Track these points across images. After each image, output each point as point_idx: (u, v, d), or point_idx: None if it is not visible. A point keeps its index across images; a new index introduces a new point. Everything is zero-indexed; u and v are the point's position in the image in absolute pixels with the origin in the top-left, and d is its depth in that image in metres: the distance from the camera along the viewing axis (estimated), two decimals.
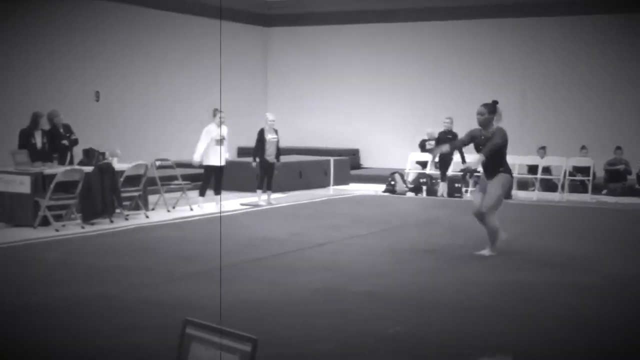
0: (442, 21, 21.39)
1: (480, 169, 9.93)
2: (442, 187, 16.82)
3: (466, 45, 21.14)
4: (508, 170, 9.46)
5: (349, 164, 20.24)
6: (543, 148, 17.91)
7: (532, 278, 8.18)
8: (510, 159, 10.27)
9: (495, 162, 9.29)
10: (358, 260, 9.09)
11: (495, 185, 9.33)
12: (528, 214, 13.78)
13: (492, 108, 9.40)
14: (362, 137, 22.38)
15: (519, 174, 17.06)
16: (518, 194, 16.80)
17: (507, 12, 20.68)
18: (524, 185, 17.68)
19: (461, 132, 15.81)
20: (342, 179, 19.27)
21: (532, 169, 17.68)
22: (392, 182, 17.56)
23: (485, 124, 9.37)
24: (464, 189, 16.86)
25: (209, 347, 2.16)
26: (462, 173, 16.29)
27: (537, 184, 17.23)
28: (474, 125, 9.54)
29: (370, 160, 22.30)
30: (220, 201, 14.19)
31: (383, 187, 17.76)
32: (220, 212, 13.24)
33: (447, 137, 16.03)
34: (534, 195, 16.88)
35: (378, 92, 22.22)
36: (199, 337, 2.18)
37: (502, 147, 9.31)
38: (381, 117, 22.16)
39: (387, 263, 8.97)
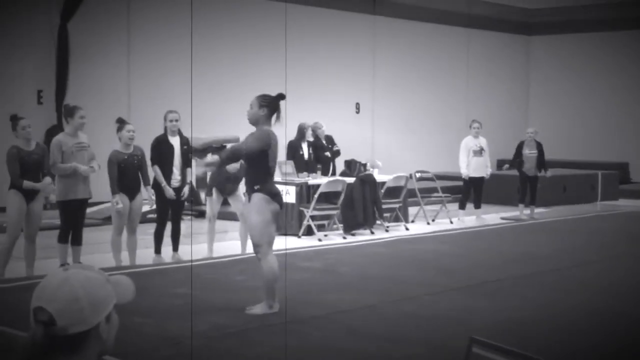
0: None
1: None
2: None
3: None
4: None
5: (617, 177, 19.07)
6: None
7: None
8: None
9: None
10: (632, 281, 8.42)
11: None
12: None
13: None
14: (632, 149, 21.02)
15: None
16: None
17: None
18: None
19: None
20: (610, 194, 18.17)
21: None
22: None
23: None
24: None
25: None
26: None
27: None
28: None
29: None
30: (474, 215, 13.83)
31: None
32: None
33: None
34: None
35: None
36: (487, 357, 1.97)
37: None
38: None
39: None
